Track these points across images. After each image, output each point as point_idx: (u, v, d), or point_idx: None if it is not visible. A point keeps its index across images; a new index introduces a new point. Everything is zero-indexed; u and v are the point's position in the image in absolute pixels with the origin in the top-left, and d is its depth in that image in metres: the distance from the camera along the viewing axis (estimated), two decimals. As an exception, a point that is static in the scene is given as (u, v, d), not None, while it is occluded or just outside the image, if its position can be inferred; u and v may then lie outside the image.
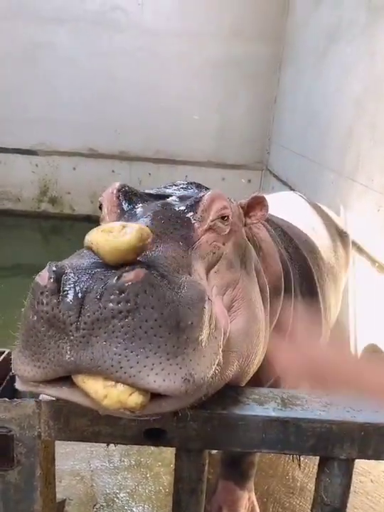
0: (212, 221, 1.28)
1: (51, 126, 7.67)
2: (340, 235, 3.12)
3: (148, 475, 2.48)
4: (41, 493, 1.21)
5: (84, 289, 0.90)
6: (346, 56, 4.67)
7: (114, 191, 1.33)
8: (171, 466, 2.41)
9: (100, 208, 1.37)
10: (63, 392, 0.96)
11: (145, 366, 0.87)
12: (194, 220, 1.26)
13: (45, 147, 7.83)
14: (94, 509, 2.27)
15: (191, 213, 1.27)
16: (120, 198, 1.32)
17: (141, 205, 1.30)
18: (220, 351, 1.06)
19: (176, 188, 1.46)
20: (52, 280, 0.91)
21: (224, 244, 1.31)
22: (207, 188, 1.46)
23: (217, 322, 1.08)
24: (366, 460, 1.19)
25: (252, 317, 1.31)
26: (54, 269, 0.93)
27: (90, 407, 0.95)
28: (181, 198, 1.34)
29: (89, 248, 0.97)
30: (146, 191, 1.41)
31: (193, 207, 1.28)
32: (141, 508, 2.28)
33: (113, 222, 1.04)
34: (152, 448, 2.55)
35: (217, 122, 7.76)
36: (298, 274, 2.00)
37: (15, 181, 8.01)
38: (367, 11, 4.23)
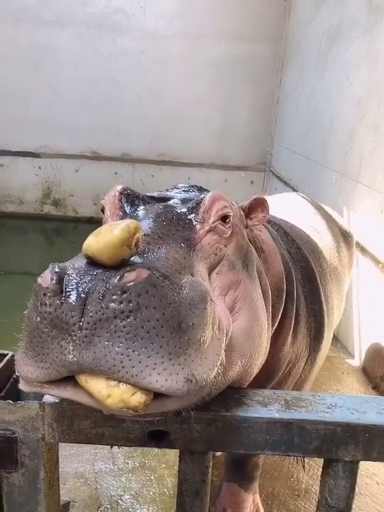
0: (213, 222, 1.28)
1: (54, 129, 7.70)
2: (343, 236, 3.11)
3: (152, 477, 2.48)
4: (45, 496, 1.21)
5: (86, 290, 0.90)
6: (348, 57, 4.66)
7: (116, 194, 1.33)
8: (175, 468, 2.41)
9: (102, 210, 1.38)
10: (67, 393, 0.96)
11: (147, 366, 0.88)
12: (196, 221, 1.26)
13: (48, 150, 7.86)
14: (99, 511, 2.27)
15: (193, 215, 1.27)
16: (122, 200, 1.32)
17: (142, 207, 1.30)
18: (223, 352, 1.06)
19: (177, 190, 1.46)
20: (54, 281, 0.92)
21: (226, 246, 1.31)
22: (208, 191, 1.46)
23: (219, 323, 1.08)
24: (372, 462, 1.18)
25: (254, 318, 1.31)
26: (56, 270, 0.94)
27: (94, 406, 0.95)
28: (183, 201, 1.34)
29: (86, 255, 0.98)
30: (148, 194, 1.41)
31: (195, 208, 1.28)
32: (145, 510, 2.28)
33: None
34: (156, 450, 2.55)
35: (219, 124, 7.77)
36: (300, 275, 1.99)
37: (18, 184, 8.04)
38: (368, 11, 4.22)
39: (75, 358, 0.89)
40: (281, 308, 1.65)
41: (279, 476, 2.55)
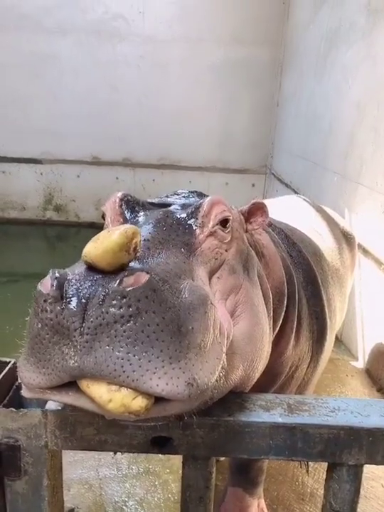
0: (213, 227, 1.28)
1: (55, 135, 7.74)
2: (345, 238, 3.10)
3: (156, 483, 2.47)
4: (49, 503, 1.21)
5: (86, 295, 0.91)
6: (347, 60, 4.67)
7: (117, 200, 1.34)
8: (179, 473, 2.39)
9: (103, 217, 1.38)
10: (69, 398, 0.97)
11: (147, 370, 0.88)
12: (195, 226, 1.27)
13: (50, 156, 7.90)
14: (103, 518, 2.26)
15: (192, 220, 1.28)
16: (123, 207, 1.33)
17: (143, 213, 1.31)
18: (224, 356, 1.06)
19: (177, 196, 1.47)
20: (54, 287, 0.92)
21: (226, 250, 1.31)
22: (208, 196, 1.47)
23: (220, 326, 1.08)
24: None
25: (255, 321, 1.31)
26: (56, 276, 0.94)
27: (95, 411, 0.95)
28: (183, 206, 1.35)
29: (86, 262, 0.98)
30: (149, 200, 1.42)
31: (194, 213, 1.29)
32: (150, 516, 2.27)
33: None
34: (160, 455, 2.55)
35: (220, 127, 7.79)
36: (302, 278, 1.99)
37: (20, 190, 8.08)
38: (367, 14, 4.23)
39: (76, 363, 0.90)
40: (283, 312, 1.65)
41: (284, 480, 2.54)
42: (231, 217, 1.35)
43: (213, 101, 7.66)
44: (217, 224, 1.30)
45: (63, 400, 0.98)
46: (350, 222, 4.22)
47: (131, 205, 1.33)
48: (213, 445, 1.14)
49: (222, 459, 2.37)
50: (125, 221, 1.30)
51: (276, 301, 1.59)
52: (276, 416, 1.15)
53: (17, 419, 1.13)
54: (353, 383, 3.72)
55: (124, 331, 0.88)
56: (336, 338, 3.08)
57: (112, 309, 0.88)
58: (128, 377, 0.88)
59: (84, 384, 0.93)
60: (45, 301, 0.92)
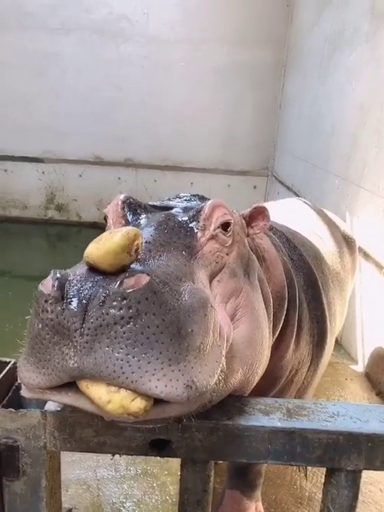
0: (214, 230, 1.28)
1: (58, 134, 7.75)
2: (346, 241, 3.11)
3: (154, 484, 2.47)
4: (47, 504, 1.21)
5: (87, 296, 0.91)
6: (350, 63, 4.68)
7: (119, 203, 1.34)
8: (177, 475, 2.39)
9: (105, 219, 1.38)
10: (68, 399, 0.97)
11: (147, 372, 0.88)
12: (197, 229, 1.27)
13: (52, 155, 7.90)
14: (101, 518, 2.26)
15: (194, 223, 1.28)
16: (125, 209, 1.33)
17: (144, 216, 1.32)
18: (223, 359, 1.07)
19: (179, 200, 1.47)
20: (55, 288, 0.92)
21: (227, 254, 1.32)
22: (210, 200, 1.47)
23: (220, 329, 1.08)
24: (375, 470, 1.18)
25: (255, 325, 1.31)
26: (57, 276, 0.95)
27: (94, 412, 0.95)
28: (184, 209, 1.35)
29: (87, 262, 0.99)
30: (150, 203, 1.42)
31: (195, 216, 1.29)
32: (147, 517, 2.27)
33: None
34: (158, 457, 2.54)
35: (222, 129, 7.80)
36: (303, 282, 1.99)
37: (22, 189, 8.09)
38: (371, 18, 4.24)
39: (76, 364, 0.90)
40: (283, 317, 1.65)
41: (282, 484, 2.53)
42: (232, 221, 1.35)
43: (216, 102, 7.67)
44: (218, 227, 1.30)
45: (62, 401, 0.98)
46: (352, 226, 4.22)
47: (134, 208, 1.34)
48: (212, 449, 1.14)
49: (221, 461, 2.36)
50: (127, 223, 1.31)
51: (276, 305, 1.59)
52: (276, 420, 1.15)
53: (16, 419, 1.13)
54: (352, 387, 3.72)
55: (124, 333, 0.89)
56: (336, 341, 3.07)
57: (112, 310, 0.89)
58: (127, 378, 0.88)
59: (83, 385, 0.93)
60: (46, 301, 0.92)
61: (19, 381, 1.03)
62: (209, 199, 1.47)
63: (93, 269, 0.98)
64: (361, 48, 4.44)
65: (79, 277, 0.95)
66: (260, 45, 7.42)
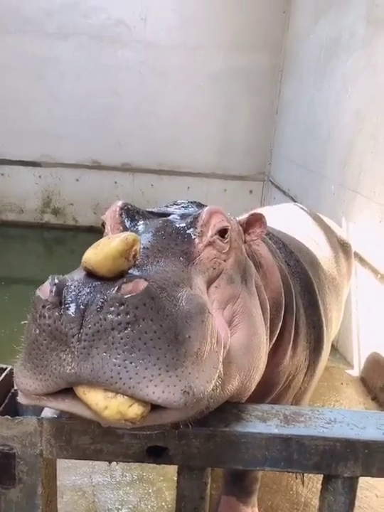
0: (211, 236, 1.29)
1: (55, 139, 7.75)
2: (341, 246, 3.12)
3: (150, 490, 2.45)
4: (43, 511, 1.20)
5: (85, 302, 0.91)
6: (347, 69, 4.71)
7: (117, 209, 1.35)
8: (173, 480, 2.39)
9: (103, 225, 1.39)
10: (65, 405, 0.96)
11: (144, 377, 0.88)
12: (194, 235, 1.27)
13: (49, 159, 7.90)
14: (96, 525, 2.25)
15: (191, 229, 1.29)
16: (123, 215, 1.34)
17: (142, 222, 1.32)
18: (221, 365, 1.07)
19: (176, 206, 1.48)
20: (53, 293, 0.92)
21: (225, 260, 1.32)
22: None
23: (217, 335, 1.08)
24: (371, 475, 1.17)
25: (252, 331, 1.31)
26: (55, 282, 0.95)
27: (91, 419, 0.95)
28: (182, 216, 1.35)
29: (86, 268, 0.99)
30: (148, 210, 1.43)
31: (193, 223, 1.30)
32: (143, 524, 2.26)
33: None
34: (155, 464, 2.53)
35: (219, 134, 7.82)
36: (299, 287, 2.00)
37: (18, 192, 8.07)
38: (367, 23, 4.27)
39: (73, 370, 0.90)
40: (280, 323, 1.65)
41: (278, 489, 2.53)
42: (230, 228, 1.35)
43: (213, 107, 7.70)
44: (215, 234, 1.30)
45: (59, 407, 0.98)
46: (348, 231, 4.24)
47: (131, 214, 1.34)
48: (209, 455, 1.13)
49: (217, 467, 2.35)
50: (125, 229, 1.31)
51: (273, 312, 1.59)
52: (273, 427, 1.15)
53: (12, 426, 1.13)
54: (348, 391, 3.72)
55: (121, 338, 0.89)
56: (332, 346, 3.08)
57: (110, 316, 0.89)
58: (124, 384, 0.88)
59: (80, 391, 0.93)
60: (43, 306, 0.92)
61: (15, 387, 1.02)
62: (206, 206, 1.48)
63: (91, 274, 0.99)
64: (357, 53, 4.47)
65: (77, 283, 0.95)
66: (257, 51, 7.46)
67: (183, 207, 1.47)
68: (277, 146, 7.53)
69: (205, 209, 1.33)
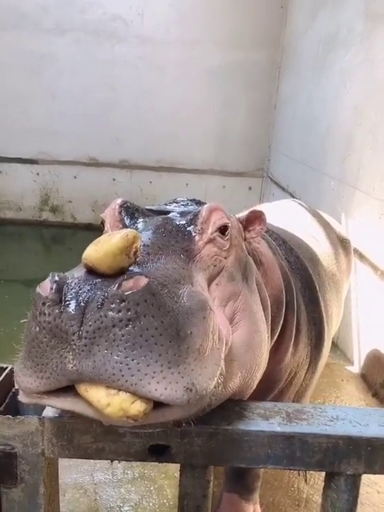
0: (212, 233, 1.28)
1: (52, 136, 7.71)
2: (341, 242, 3.12)
3: (152, 488, 2.46)
4: (45, 511, 1.20)
5: (85, 299, 0.90)
6: (345, 64, 4.69)
7: (116, 207, 1.34)
8: (174, 478, 2.39)
9: (102, 223, 1.38)
10: (66, 403, 0.96)
11: (146, 374, 0.87)
12: (194, 232, 1.27)
13: (46, 156, 7.87)
14: (98, 523, 2.25)
15: (191, 226, 1.28)
16: (122, 213, 1.33)
17: (142, 220, 1.32)
18: (223, 362, 1.06)
19: (176, 204, 1.48)
20: (53, 290, 0.92)
21: (225, 257, 1.32)
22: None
23: (219, 332, 1.08)
24: (373, 473, 1.17)
25: (254, 329, 1.31)
26: (55, 279, 0.94)
27: (93, 417, 0.95)
28: (182, 214, 1.35)
29: (86, 265, 0.98)
30: (147, 207, 1.42)
31: (193, 220, 1.30)
32: (145, 521, 2.26)
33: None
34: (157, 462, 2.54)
35: (217, 130, 7.79)
36: (300, 284, 2.00)
37: (16, 190, 8.04)
38: (365, 18, 4.25)
39: (74, 367, 0.89)
40: (281, 320, 1.65)
41: (279, 486, 2.53)
42: (230, 225, 1.35)
43: (211, 103, 7.66)
44: (216, 231, 1.30)
45: (60, 405, 0.98)
46: (347, 227, 4.23)
47: (131, 212, 1.34)
48: (211, 454, 1.13)
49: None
50: (124, 227, 1.30)
51: (274, 309, 1.59)
52: (275, 425, 1.14)
53: (13, 426, 1.12)
54: (348, 388, 3.73)
55: (123, 335, 0.88)
56: (332, 342, 3.07)
57: (111, 313, 0.88)
58: (127, 381, 0.87)
59: (82, 388, 0.92)
60: (43, 304, 0.92)
61: (16, 387, 1.01)
62: (205, 203, 1.47)
63: (91, 271, 0.98)
64: (355, 48, 4.45)
65: (77, 280, 0.95)
66: (254, 47, 7.43)
67: (182, 205, 1.47)
68: (276, 142, 7.51)
69: (205, 206, 1.33)
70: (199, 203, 1.50)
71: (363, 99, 4.21)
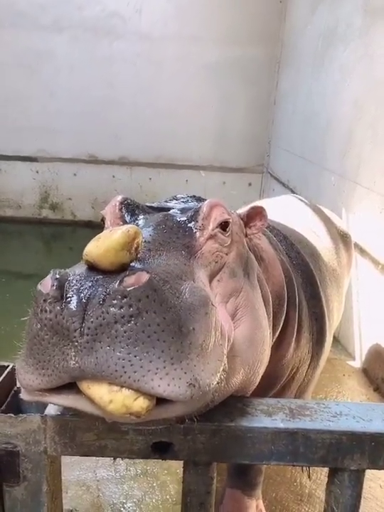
0: (213, 229, 1.28)
1: (51, 133, 7.69)
2: (341, 237, 3.11)
3: (154, 484, 2.46)
4: (48, 509, 1.20)
5: (87, 295, 0.90)
6: (344, 59, 4.67)
7: (117, 204, 1.34)
8: (177, 474, 2.40)
9: (102, 221, 1.37)
10: (69, 400, 0.96)
11: (149, 370, 0.87)
12: (195, 228, 1.27)
13: (46, 154, 7.84)
14: (101, 520, 2.25)
15: (192, 223, 1.28)
16: (122, 210, 1.33)
17: (142, 216, 1.31)
18: (225, 358, 1.06)
19: (176, 201, 1.47)
20: (54, 287, 0.91)
21: (226, 254, 1.31)
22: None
23: (221, 328, 1.08)
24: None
25: (256, 325, 1.31)
26: (57, 276, 0.94)
27: (96, 414, 0.94)
28: (183, 210, 1.34)
29: (87, 261, 0.98)
30: (148, 204, 1.41)
31: (194, 216, 1.29)
32: (148, 517, 2.27)
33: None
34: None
35: (216, 126, 7.77)
36: (301, 279, 1.99)
37: (16, 188, 8.02)
38: (364, 13, 4.23)
39: (76, 364, 0.89)
40: (283, 317, 1.64)
41: (282, 481, 2.54)
42: (231, 220, 1.34)
43: (210, 99, 7.63)
44: (217, 227, 1.29)
45: (62, 403, 0.98)
46: (348, 222, 4.22)
47: (131, 209, 1.33)
48: (215, 450, 1.13)
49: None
50: (125, 224, 1.29)
51: (276, 305, 1.58)
52: (278, 421, 1.14)
53: (16, 424, 1.12)
54: (350, 383, 3.73)
55: (125, 331, 0.88)
56: (333, 337, 3.08)
57: (113, 309, 0.88)
58: (129, 377, 0.87)
59: (84, 385, 0.92)
60: (44, 301, 0.91)
61: (18, 385, 1.01)
62: (205, 200, 1.47)
63: (93, 268, 0.98)
64: (355, 43, 4.43)
65: (78, 277, 0.95)
66: (253, 42, 7.39)
67: (182, 201, 1.46)
68: (276, 138, 7.49)
69: (206, 202, 1.32)
70: (199, 200, 1.49)
71: (362, 94, 4.19)
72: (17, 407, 1.18)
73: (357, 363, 4.06)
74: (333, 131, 4.91)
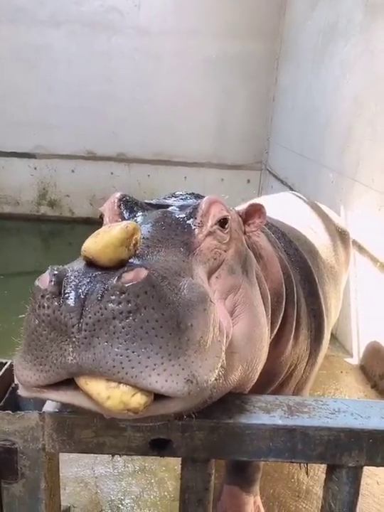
0: (211, 226, 1.28)
1: (49, 129, 7.65)
2: (339, 234, 3.11)
3: (152, 481, 2.46)
4: (46, 506, 1.20)
5: (85, 291, 0.90)
6: (344, 55, 4.65)
7: (115, 201, 1.33)
8: (175, 470, 2.40)
9: (101, 217, 1.37)
10: (66, 396, 0.96)
11: (147, 366, 0.87)
12: (194, 225, 1.26)
13: (44, 150, 7.81)
14: (99, 516, 2.26)
15: (191, 219, 1.28)
16: (121, 207, 1.32)
17: (141, 213, 1.31)
18: (223, 354, 1.06)
19: (175, 198, 1.47)
20: (53, 283, 0.91)
21: (225, 251, 1.31)
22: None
23: (219, 325, 1.08)
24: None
25: (254, 322, 1.31)
26: (55, 272, 0.94)
27: (93, 410, 0.94)
28: (181, 207, 1.34)
29: (85, 257, 0.97)
30: (146, 201, 1.41)
31: (192, 213, 1.29)
32: (146, 514, 2.27)
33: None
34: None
35: (215, 122, 7.74)
36: (299, 276, 1.99)
37: (14, 185, 7.99)
38: (364, 9, 4.21)
39: (74, 360, 0.89)
40: (281, 314, 1.65)
41: (279, 478, 2.55)
42: (229, 217, 1.34)
43: (208, 94, 7.60)
44: (215, 224, 1.29)
45: (60, 399, 0.97)
46: (346, 219, 4.22)
47: (130, 206, 1.33)
48: (213, 447, 1.13)
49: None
50: (123, 220, 1.29)
51: (274, 302, 1.58)
52: (276, 418, 1.14)
53: (14, 421, 1.12)
54: (347, 380, 3.74)
55: (123, 327, 0.88)
56: (331, 334, 3.08)
57: (111, 305, 0.88)
58: (127, 373, 0.87)
59: (82, 381, 0.92)
60: (42, 296, 0.91)
61: (16, 381, 1.01)
62: (204, 197, 1.46)
63: (91, 264, 0.98)
64: (355, 39, 4.41)
65: (77, 272, 0.94)
66: (253, 37, 7.35)
67: (181, 198, 1.46)
68: (274, 134, 7.47)
69: (205, 199, 1.32)
70: (198, 197, 1.49)
71: (362, 90, 4.18)
72: (15, 404, 1.18)
73: (354, 360, 4.07)
74: (332, 127, 4.90)
